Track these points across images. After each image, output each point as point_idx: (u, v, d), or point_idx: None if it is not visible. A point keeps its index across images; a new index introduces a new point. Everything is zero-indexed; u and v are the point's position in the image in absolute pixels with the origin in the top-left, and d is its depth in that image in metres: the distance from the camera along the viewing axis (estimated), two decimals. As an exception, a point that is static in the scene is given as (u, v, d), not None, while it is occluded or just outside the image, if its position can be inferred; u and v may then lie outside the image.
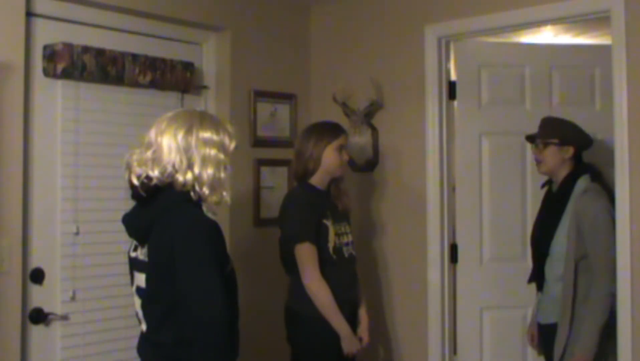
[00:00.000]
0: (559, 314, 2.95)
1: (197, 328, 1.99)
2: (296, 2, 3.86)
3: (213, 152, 2.12)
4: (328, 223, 2.99)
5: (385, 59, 3.66)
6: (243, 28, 3.58)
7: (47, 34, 2.89)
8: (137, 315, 2.19)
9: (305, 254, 2.92)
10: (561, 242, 2.99)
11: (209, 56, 3.54)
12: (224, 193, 2.14)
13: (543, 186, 3.25)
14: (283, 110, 3.78)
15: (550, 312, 3.04)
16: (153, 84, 3.17)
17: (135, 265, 2.17)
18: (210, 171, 2.10)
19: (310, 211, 2.97)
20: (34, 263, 2.83)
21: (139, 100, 3.18)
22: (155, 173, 2.07)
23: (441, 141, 3.49)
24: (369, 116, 3.68)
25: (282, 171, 3.72)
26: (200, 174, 2.09)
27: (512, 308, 3.54)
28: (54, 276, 2.88)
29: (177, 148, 2.09)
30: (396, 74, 3.62)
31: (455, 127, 3.57)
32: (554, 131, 3.09)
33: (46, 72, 2.86)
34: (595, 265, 2.89)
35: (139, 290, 2.15)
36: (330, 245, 2.98)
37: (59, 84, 2.92)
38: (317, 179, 3.06)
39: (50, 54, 2.85)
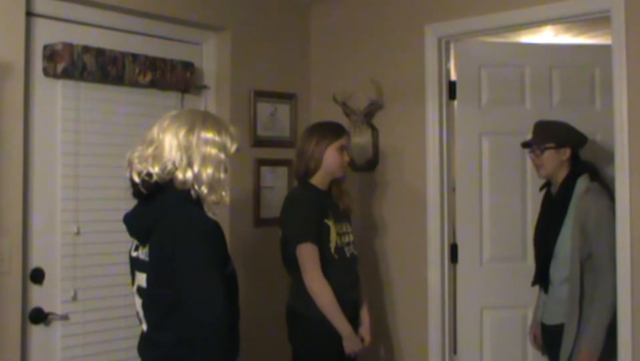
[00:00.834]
0: (566, 315, 2.96)
1: (198, 329, 1.99)
2: (296, 2, 3.85)
3: (214, 152, 2.12)
4: (329, 222, 2.99)
5: (385, 58, 3.66)
6: (243, 28, 3.58)
7: (47, 33, 2.89)
8: (137, 314, 2.19)
9: (307, 254, 2.92)
10: (565, 243, 2.99)
11: (209, 56, 3.54)
12: (223, 193, 2.14)
13: (541, 189, 3.25)
14: (283, 110, 3.78)
15: (557, 313, 3.04)
16: (153, 84, 3.16)
17: (136, 265, 2.17)
18: (209, 170, 2.10)
19: (312, 211, 2.97)
20: (34, 263, 2.83)
21: (139, 100, 3.18)
22: (155, 170, 2.07)
23: (441, 141, 3.49)
24: (369, 116, 3.68)
25: (283, 171, 3.72)
26: (199, 173, 2.09)
27: (512, 308, 3.54)
28: (54, 276, 2.88)
29: (178, 146, 2.09)
30: (396, 74, 3.61)
31: (455, 127, 3.56)
32: (549, 136, 3.09)
33: (46, 72, 2.86)
34: (600, 263, 2.90)
35: (139, 290, 2.15)
36: (332, 245, 2.98)
37: (59, 84, 2.92)
38: (318, 179, 3.06)
39: (51, 54, 2.85)
